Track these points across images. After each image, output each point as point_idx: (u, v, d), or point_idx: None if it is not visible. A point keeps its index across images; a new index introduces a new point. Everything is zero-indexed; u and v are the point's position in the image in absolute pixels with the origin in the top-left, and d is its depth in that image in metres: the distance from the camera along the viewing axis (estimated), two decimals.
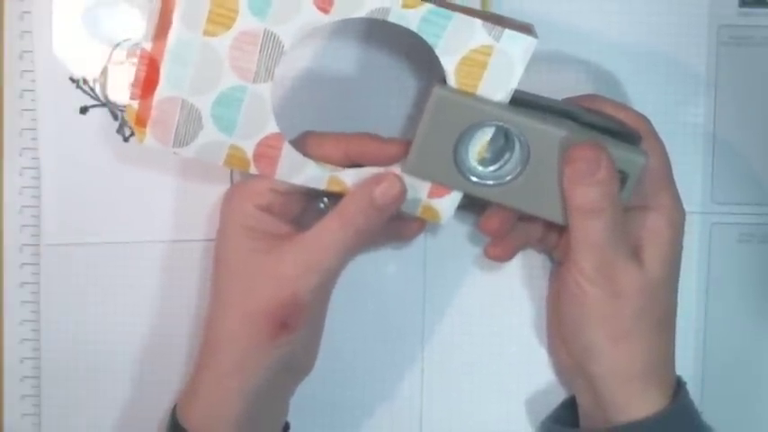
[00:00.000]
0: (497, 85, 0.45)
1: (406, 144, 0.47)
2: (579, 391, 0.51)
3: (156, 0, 0.43)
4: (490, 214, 0.49)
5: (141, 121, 0.45)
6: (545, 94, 0.47)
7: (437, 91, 0.45)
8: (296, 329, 0.46)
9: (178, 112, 0.45)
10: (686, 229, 0.49)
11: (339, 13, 0.43)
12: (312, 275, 0.46)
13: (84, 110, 0.52)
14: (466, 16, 0.43)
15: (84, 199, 0.53)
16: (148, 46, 0.44)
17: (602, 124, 0.47)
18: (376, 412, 0.55)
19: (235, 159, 0.46)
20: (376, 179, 0.46)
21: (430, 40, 0.44)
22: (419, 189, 0.48)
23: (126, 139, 0.53)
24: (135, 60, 0.45)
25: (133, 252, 0.53)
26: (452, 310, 0.55)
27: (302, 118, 0.52)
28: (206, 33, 0.43)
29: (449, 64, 0.44)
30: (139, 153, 0.52)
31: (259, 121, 0.45)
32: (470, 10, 0.44)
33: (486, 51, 0.44)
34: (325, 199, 0.49)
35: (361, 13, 0.43)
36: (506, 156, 0.47)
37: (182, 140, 0.45)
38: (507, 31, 0.43)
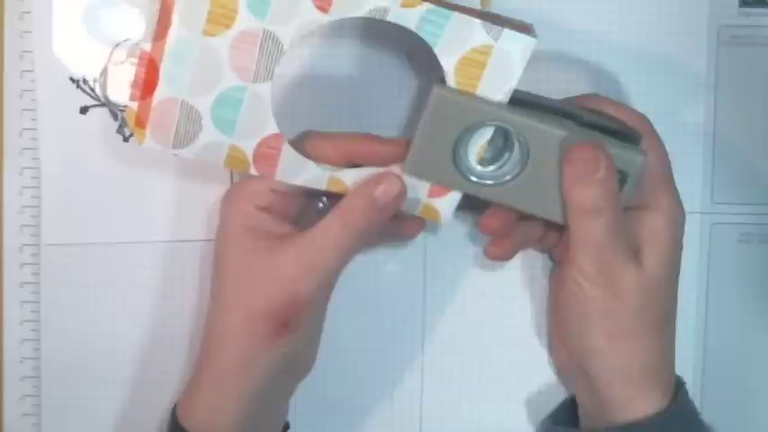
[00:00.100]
0: (496, 85, 0.45)
1: (406, 144, 0.47)
2: (579, 391, 0.51)
3: (156, 0, 0.43)
4: (490, 214, 0.49)
5: (141, 122, 0.45)
6: (545, 94, 0.47)
7: (436, 91, 0.45)
8: (297, 329, 0.46)
9: (178, 113, 0.45)
10: (686, 229, 0.49)
11: (338, 12, 0.43)
12: (313, 275, 0.46)
13: (84, 110, 0.52)
14: (465, 15, 0.43)
15: (84, 199, 0.53)
16: (148, 46, 0.44)
17: (602, 124, 0.47)
18: (376, 412, 0.55)
19: (234, 160, 0.46)
20: (376, 179, 0.46)
21: (429, 39, 0.44)
22: (419, 189, 0.48)
23: (126, 140, 0.53)
24: (135, 60, 0.45)
25: (133, 252, 0.53)
26: (452, 310, 0.55)
27: (302, 118, 0.52)
28: (205, 33, 0.43)
29: (448, 63, 0.44)
30: (139, 153, 0.52)
31: (259, 122, 0.45)
32: (469, 9, 0.44)
33: (485, 51, 0.44)
34: (325, 199, 0.49)
35: (361, 12, 0.43)
36: (506, 155, 0.47)
37: (181, 142, 0.45)
38: (506, 31, 0.43)
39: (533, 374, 0.55)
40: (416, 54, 0.52)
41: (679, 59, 0.53)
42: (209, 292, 0.49)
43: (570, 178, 0.46)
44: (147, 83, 0.44)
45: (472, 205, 0.49)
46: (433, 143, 0.46)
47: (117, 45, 0.52)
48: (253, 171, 0.46)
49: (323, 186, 0.47)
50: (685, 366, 0.54)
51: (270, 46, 0.43)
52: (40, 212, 0.53)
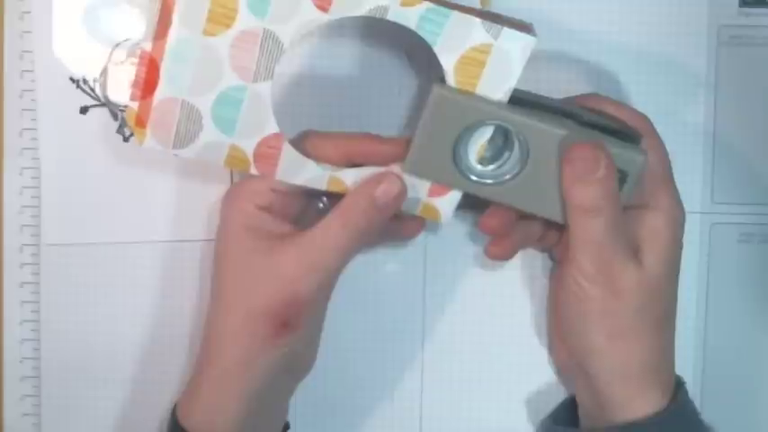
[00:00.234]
0: (496, 84, 0.45)
1: (406, 143, 0.47)
2: (579, 390, 0.51)
3: (156, 0, 0.43)
4: (490, 213, 0.49)
5: (141, 122, 0.45)
6: (545, 94, 0.47)
7: (436, 90, 0.45)
8: (297, 329, 0.46)
9: (178, 113, 0.45)
10: (686, 228, 0.49)
11: (338, 11, 0.43)
12: (313, 275, 0.46)
13: (84, 110, 0.52)
14: (464, 14, 0.43)
15: (84, 199, 0.53)
16: (148, 46, 0.44)
17: (602, 123, 0.47)
18: (376, 412, 0.55)
19: (235, 160, 0.46)
20: (376, 179, 0.46)
21: (428, 38, 0.44)
22: (419, 188, 0.48)
23: (126, 139, 0.53)
24: (135, 60, 0.45)
25: (133, 252, 0.53)
26: (452, 309, 0.55)
27: (302, 117, 0.52)
28: (206, 33, 0.43)
29: (448, 62, 0.44)
30: (139, 153, 0.51)
31: (259, 121, 0.45)
32: (469, 8, 0.44)
33: (485, 50, 0.44)
34: (325, 198, 0.50)
35: (361, 11, 0.43)
36: (506, 155, 0.47)
37: (182, 141, 0.45)
38: (506, 30, 0.43)
39: (533, 374, 0.55)
40: (416, 53, 0.52)
41: (679, 59, 0.53)
42: (209, 292, 0.49)
43: (570, 177, 0.46)
44: (147, 82, 0.44)
45: (472, 204, 0.49)
46: (433, 142, 0.46)
47: (117, 45, 0.52)
48: (253, 171, 0.46)
49: (323, 186, 0.47)
50: (685, 366, 0.54)
51: (270, 45, 0.43)
52: (40, 212, 0.53)
